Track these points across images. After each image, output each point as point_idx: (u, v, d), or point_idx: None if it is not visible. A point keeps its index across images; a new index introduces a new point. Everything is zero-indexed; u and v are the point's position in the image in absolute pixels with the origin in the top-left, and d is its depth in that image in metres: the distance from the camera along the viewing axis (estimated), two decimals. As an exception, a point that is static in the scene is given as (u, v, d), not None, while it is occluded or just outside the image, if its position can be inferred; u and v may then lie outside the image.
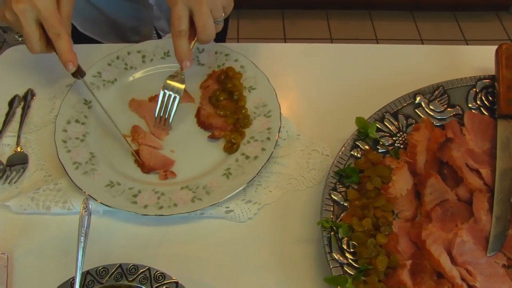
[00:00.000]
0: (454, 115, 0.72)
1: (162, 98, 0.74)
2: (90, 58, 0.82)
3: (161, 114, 0.74)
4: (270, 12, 2.51)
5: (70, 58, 0.69)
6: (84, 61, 0.81)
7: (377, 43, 2.36)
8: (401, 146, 0.69)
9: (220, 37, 0.87)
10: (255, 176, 0.67)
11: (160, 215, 0.65)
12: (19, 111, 0.79)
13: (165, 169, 0.71)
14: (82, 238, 0.55)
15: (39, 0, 0.65)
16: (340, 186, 0.65)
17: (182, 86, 0.74)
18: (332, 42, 2.30)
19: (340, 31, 2.46)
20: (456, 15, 2.53)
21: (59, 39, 0.68)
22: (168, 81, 0.74)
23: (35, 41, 0.68)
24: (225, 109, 0.76)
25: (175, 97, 0.73)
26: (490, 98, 0.74)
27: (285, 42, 2.36)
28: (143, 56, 0.83)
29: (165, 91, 0.74)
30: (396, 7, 2.52)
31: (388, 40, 2.39)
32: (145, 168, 0.71)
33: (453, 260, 0.58)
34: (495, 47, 0.77)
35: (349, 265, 0.58)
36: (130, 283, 0.54)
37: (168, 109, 0.74)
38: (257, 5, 2.49)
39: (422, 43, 2.39)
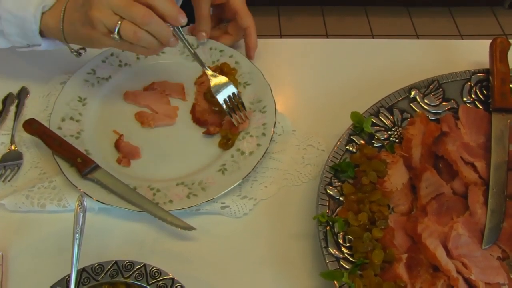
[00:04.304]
0: (449, 109, 0.72)
1: (227, 104, 0.73)
2: (84, 55, 0.82)
3: (236, 114, 0.73)
4: (265, 9, 2.50)
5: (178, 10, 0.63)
6: (78, 58, 0.81)
7: (373, 39, 2.36)
8: (397, 140, 0.70)
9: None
10: (250, 172, 0.67)
11: (155, 211, 0.64)
12: (13, 109, 0.78)
13: (124, 155, 0.71)
14: (77, 235, 0.55)
15: None
16: (336, 180, 0.65)
17: (225, 79, 0.73)
18: (328, 39, 2.30)
19: (336, 27, 2.45)
20: (451, 10, 2.53)
21: None
22: (214, 85, 0.73)
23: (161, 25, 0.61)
24: (220, 105, 0.76)
25: (234, 93, 0.73)
26: (485, 91, 0.74)
27: (281, 39, 2.35)
28: (138, 53, 0.83)
29: (224, 98, 0.73)
30: (392, 3, 2.52)
31: (384, 36, 2.39)
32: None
33: (448, 253, 0.59)
34: (490, 41, 0.77)
35: (345, 259, 0.58)
36: (126, 280, 0.54)
37: (238, 106, 0.73)
38: (253, 2, 2.48)
39: (418, 39, 2.39)
